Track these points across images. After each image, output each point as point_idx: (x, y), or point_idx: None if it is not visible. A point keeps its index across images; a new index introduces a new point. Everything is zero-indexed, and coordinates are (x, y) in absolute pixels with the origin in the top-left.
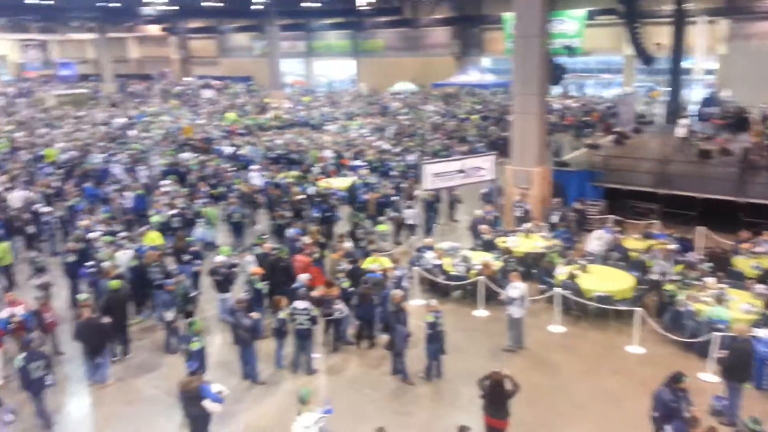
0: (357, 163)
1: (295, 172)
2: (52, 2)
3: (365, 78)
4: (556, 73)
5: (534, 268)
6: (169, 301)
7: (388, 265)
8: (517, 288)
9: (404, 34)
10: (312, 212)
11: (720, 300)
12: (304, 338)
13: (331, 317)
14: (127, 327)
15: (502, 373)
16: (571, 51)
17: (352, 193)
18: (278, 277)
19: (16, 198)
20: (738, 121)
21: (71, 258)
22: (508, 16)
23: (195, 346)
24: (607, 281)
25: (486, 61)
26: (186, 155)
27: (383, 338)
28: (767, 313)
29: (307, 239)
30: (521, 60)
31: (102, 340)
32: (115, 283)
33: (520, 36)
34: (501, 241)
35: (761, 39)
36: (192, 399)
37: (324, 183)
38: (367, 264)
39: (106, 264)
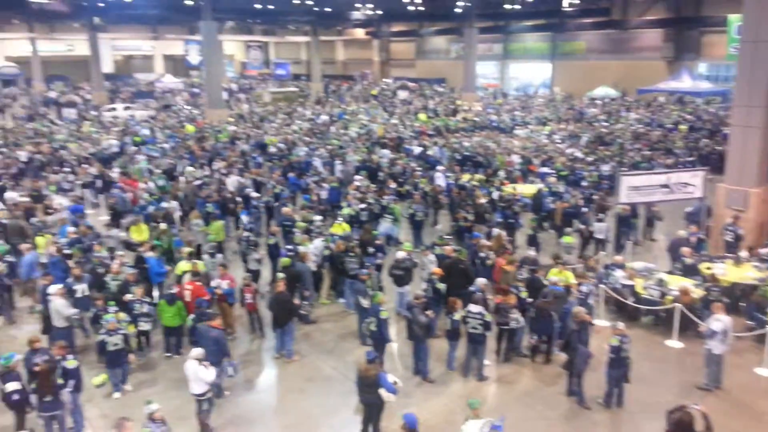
0: (545, 170)
1: (480, 176)
2: (274, 7)
3: (560, 82)
4: None
5: (742, 301)
6: (363, 290)
7: (571, 280)
8: (720, 321)
9: (610, 35)
10: (495, 217)
11: None
12: (476, 343)
13: (505, 326)
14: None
15: (695, 410)
16: None
17: (537, 200)
18: (455, 279)
19: (231, 183)
20: None
21: (273, 240)
22: (734, 18)
23: (372, 326)
24: None
25: (701, 67)
26: (385, 151)
27: (561, 356)
28: None
29: (485, 242)
30: (748, 67)
31: (288, 313)
32: (285, 261)
33: (749, 41)
34: (705, 267)
35: None
36: (369, 386)
37: (509, 188)
38: (550, 276)
39: (301, 248)
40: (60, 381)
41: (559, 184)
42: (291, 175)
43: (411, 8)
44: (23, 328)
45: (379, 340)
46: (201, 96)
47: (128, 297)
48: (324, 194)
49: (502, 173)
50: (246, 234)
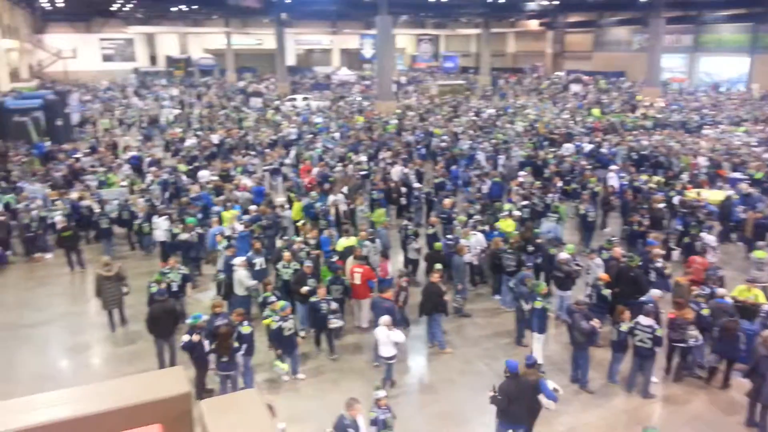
0: (737, 175)
1: (659, 178)
2: (448, 1)
3: (760, 78)
4: None
5: None
6: (525, 293)
7: (762, 300)
8: None
9: None
10: (674, 223)
11: None
12: (643, 357)
13: (680, 343)
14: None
15: None
16: None
17: (725, 208)
18: (625, 286)
19: (395, 172)
20: None
21: (432, 230)
22: None
23: (537, 304)
24: None
25: None
26: (569, 145)
27: (743, 382)
28: None
29: (659, 251)
30: None
31: (434, 305)
32: (437, 245)
33: None
34: None
35: None
36: (529, 390)
37: (692, 193)
38: (738, 293)
39: (461, 241)
40: (235, 344)
41: (752, 192)
42: (454, 167)
43: None
44: (207, 293)
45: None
46: (371, 88)
47: (305, 290)
48: (485, 188)
49: (685, 176)
50: (405, 223)
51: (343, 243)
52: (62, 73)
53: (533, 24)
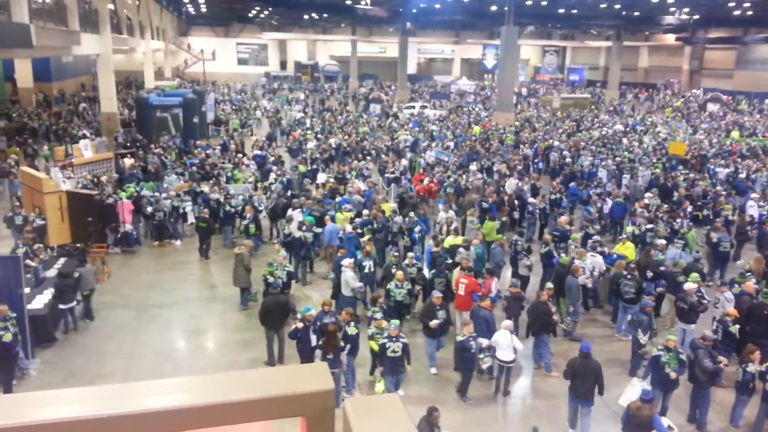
0: None
1: None
2: (577, 11)
3: None
4: None
5: None
6: (645, 323)
7: None
8: None
9: None
10: None
11: None
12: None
13: None
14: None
15: None
16: None
17: None
18: (756, 324)
19: (510, 185)
20: None
21: (545, 249)
22: None
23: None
24: None
25: None
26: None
27: None
28: None
29: None
30: None
31: (542, 324)
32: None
33: None
34: None
35: None
36: (641, 426)
37: None
38: None
39: (576, 262)
40: (341, 343)
41: None
42: (572, 184)
43: (736, 12)
44: (316, 290)
45: (665, 383)
46: (491, 98)
47: (434, 323)
48: (606, 208)
49: None
50: (516, 238)
51: (449, 241)
52: (201, 74)
53: (669, 38)
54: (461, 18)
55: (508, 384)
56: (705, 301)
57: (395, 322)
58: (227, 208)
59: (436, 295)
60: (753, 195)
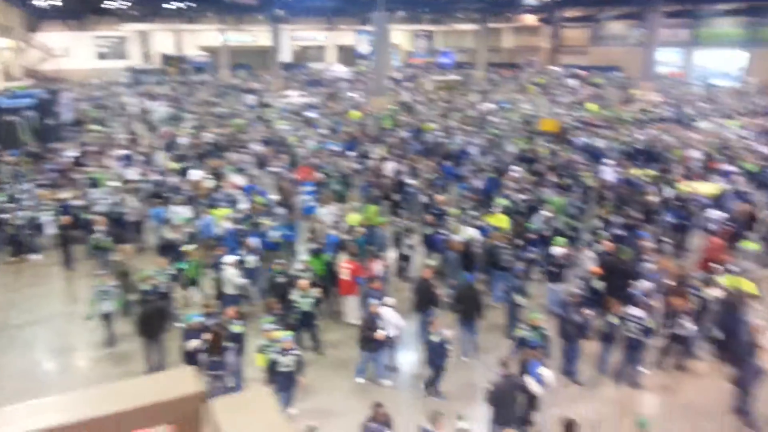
0: (730, 168)
1: (652, 171)
2: None
3: (757, 72)
4: None
5: None
6: (519, 287)
7: (749, 290)
8: None
9: None
10: (665, 217)
11: None
12: (633, 348)
13: (673, 333)
14: None
15: None
16: None
17: (718, 201)
18: (615, 279)
19: (388, 168)
20: None
21: (429, 230)
22: None
23: (518, 332)
24: None
25: None
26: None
27: (729, 370)
28: None
29: (650, 244)
30: None
31: (429, 298)
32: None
33: None
34: None
35: None
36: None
37: (686, 186)
38: (726, 284)
39: (454, 237)
40: (227, 344)
41: (745, 185)
42: (446, 163)
43: None
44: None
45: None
46: (366, 84)
47: (381, 334)
48: (480, 184)
49: (678, 170)
50: (397, 219)
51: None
52: (55, 72)
53: (530, 19)
54: (333, 4)
55: (393, 360)
56: (571, 262)
57: (288, 333)
58: (87, 215)
59: (372, 302)
60: (607, 161)
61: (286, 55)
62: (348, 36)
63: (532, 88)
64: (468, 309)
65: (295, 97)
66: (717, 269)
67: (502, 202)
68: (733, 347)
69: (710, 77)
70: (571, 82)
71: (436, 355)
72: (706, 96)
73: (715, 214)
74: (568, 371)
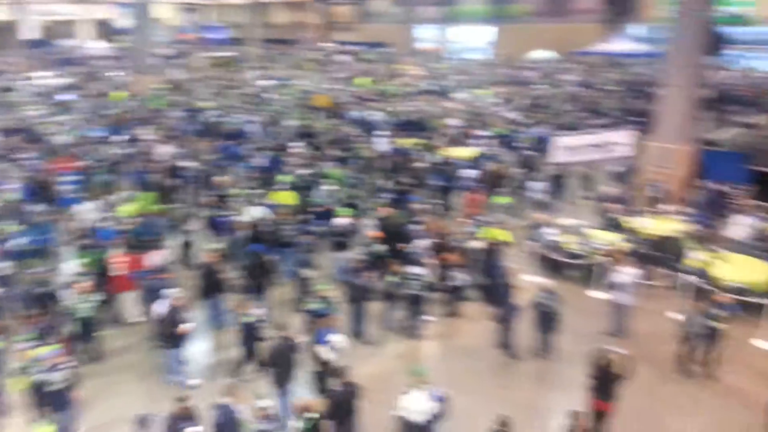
0: (483, 133)
1: (419, 140)
2: None
3: (505, 45)
4: (715, 44)
5: (664, 252)
6: (305, 260)
7: (504, 239)
8: (624, 273)
9: None
10: (433, 180)
11: None
12: (414, 303)
13: (448, 284)
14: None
15: (617, 355)
16: (740, 20)
17: (475, 163)
18: (394, 241)
19: (162, 152)
20: None
21: (209, 212)
22: None
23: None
24: (744, 271)
25: (637, 29)
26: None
27: (491, 311)
28: None
29: (422, 207)
30: (679, 28)
31: (215, 285)
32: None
33: (682, 1)
34: (630, 222)
35: None
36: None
37: (447, 152)
38: (485, 236)
39: (239, 218)
40: None
41: (497, 147)
42: (226, 143)
43: None
44: None
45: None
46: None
47: (186, 327)
48: (262, 162)
49: (440, 137)
50: (173, 206)
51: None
52: None
53: None
54: None
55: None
56: (354, 230)
57: (54, 348)
58: None
59: (177, 295)
60: (379, 133)
61: (31, 32)
62: (106, 9)
63: (308, 64)
64: (259, 280)
65: (47, 78)
66: (477, 222)
67: (285, 178)
68: (494, 290)
69: (464, 51)
70: (343, 58)
71: (249, 337)
72: (461, 68)
73: (471, 173)
74: (358, 332)
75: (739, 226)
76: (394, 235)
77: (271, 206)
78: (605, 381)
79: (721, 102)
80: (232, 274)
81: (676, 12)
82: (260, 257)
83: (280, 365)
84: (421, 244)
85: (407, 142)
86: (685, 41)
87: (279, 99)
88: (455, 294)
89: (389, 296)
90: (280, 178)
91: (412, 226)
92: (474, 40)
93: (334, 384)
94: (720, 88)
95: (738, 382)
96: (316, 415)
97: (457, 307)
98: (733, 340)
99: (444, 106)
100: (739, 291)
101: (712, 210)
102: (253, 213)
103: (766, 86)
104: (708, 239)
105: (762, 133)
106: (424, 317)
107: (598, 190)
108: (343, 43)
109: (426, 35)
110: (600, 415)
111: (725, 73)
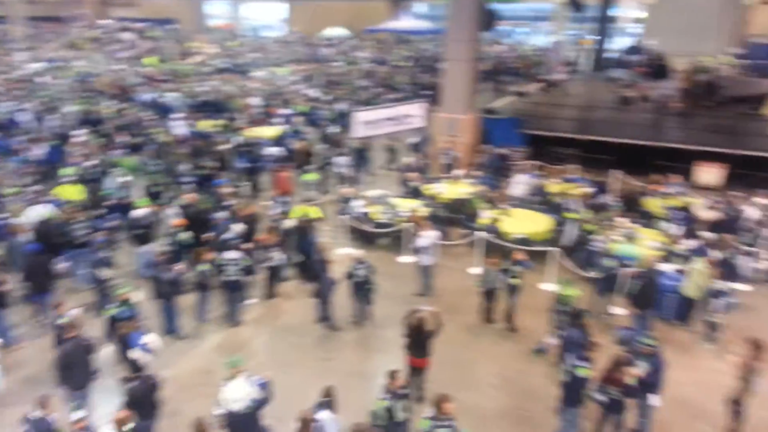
0: (285, 111)
1: (220, 121)
2: None
3: (297, 22)
4: (488, 20)
5: (459, 213)
6: (99, 260)
7: (315, 215)
8: (425, 237)
9: None
10: (238, 162)
11: (630, 238)
12: (232, 290)
13: (267, 264)
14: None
15: (427, 312)
16: None
17: (280, 142)
18: (201, 228)
19: None
20: (659, 69)
21: None
22: None
23: (111, 312)
24: (526, 224)
25: (422, 7)
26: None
27: (310, 287)
28: (672, 249)
29: (229, 189)
30: (454, 5)
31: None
32: None
33: None
34: (428, 188)
35: None
36: (121, 345)
37: (250, 132)
38: (296, 214)
39: (16, 220)
40: None
41: (300, 125)
42: None
43: None
44: None
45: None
46: None
47: None
48: (40, 154)
49: (241, 117)
50: None
51: None
52: None
53: None
54: None
55: None
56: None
57: None
58: None
59: None
60: (175, 115)
61: None
62: None
63: (84, 43)
64: (39, 282)
65: None
66: (286, 201)
67: (69, 171)
68: (309, 266)
69: (258, 28)
70: (126, 35)
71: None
72: (257, 46)
73: (276, 152)
74: (171, 330)
75: (519, 185)
76: (200, 222)
77: (55, 203)
78: (418, 339)
79: (497, 73)
80: (11, 285)
81: None
82: (38, 257)
83: (71, 368)
84: (238, 228)
85: (207, 124)
86: (461, 18)
87: (54, 83)
88: (273, 275)
89: (202, 286)
90: (62, 171)
91: (220, 211)
92: (266, 17)
93: (131, 378)
94: (495, 61)
95: (531, 324)
96: (132, 425)
97: (275, 288)
98: (525, 287)
99: (243, 85)
100: (524, 242)
101: (496, 172)
102: (33, 213)
103: (533, 58)
104: (495, 198)
105: (531, 100)
106: (244, 302)
107: (400, 161)
108: (123, 19)
109: (216, 11)
110: (416, 371)
111: (499, 47)
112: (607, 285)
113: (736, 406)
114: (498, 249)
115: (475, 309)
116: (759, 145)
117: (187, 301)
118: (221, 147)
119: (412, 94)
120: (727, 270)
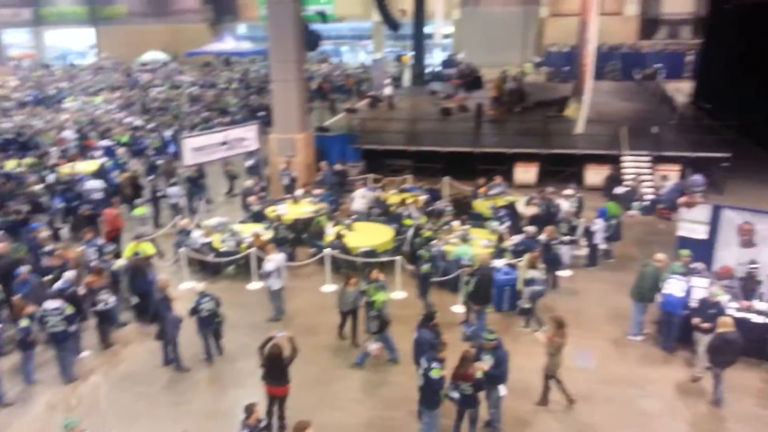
0: (105, 143)
1: (29, 159)
2: None
3: (107, 48)
4: (311, 40)
5: (304, 233)
6: None
7: (151, 251)
8: (271, 261)
9: None
10: (55, 203)
11: (464, 239)
12: (59, 341)
13: (96, 308)
14: None
15: (281, 338)
16: (323, 17)
17: (100, 175)
18: (10, 281)
19: None
20: (472, 80)
21: None
22: None
23: None
24: (370, 236)
25: (242, 28)
26: None
27: (152, 328)
28: (501, 246)
29: (45, 233)
30: (276, 26)
31: None
32: None
33: (273, 1)
34: (270, 211)
35: (488, 5)
36: None
37: (67, 168)
38: (128, 252)
39: None
40: None
41: (123, 156)
42: None
43: None
44: None
45: None
46: None
47: None
48: None
49: (55, 153)
50: None
51: None
52: None
53: None
54: None
55: None
56: None
57: None
58: None
59: None
60: None
61: None
62: None
63: None
64: None
65: None
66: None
67: None
68: (148, 307)
69: (67, 56)
70: None
71: None
72: (66, 75)
73: (98, 186)
74: None
75: (360, 199)
76: (11, 273)
77: None
78: (275, 367)
79: (327, 92)
80: None
81: (270, 11)
82: None
83: None
84: (69, 275)
85: (12, 164)
86: (283, 39)
87: None
88: (105, 320)
89: (24, 344)
90: None
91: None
92: (73, 43)
93: None
94: (323, 80)
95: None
96: None
97: (110, 334)
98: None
99: (52, 118)
100: (370, 254)
101: (336, 188)
102: None
103: (359, 76)
104: (337, 214)
105: (361, 116)
106: (77, 356)
107: (242, 185)
108: None
109: (19, 41)
110: (277, 400)
111: (327, 66)
112: (449, 285)
113: (549, 379)
114: (350, 266)
115: (332, 327)
116: (565, 144)
117: (9, 362)
118: (32, 187)
119: (244, 116)
120: (551, 259)
